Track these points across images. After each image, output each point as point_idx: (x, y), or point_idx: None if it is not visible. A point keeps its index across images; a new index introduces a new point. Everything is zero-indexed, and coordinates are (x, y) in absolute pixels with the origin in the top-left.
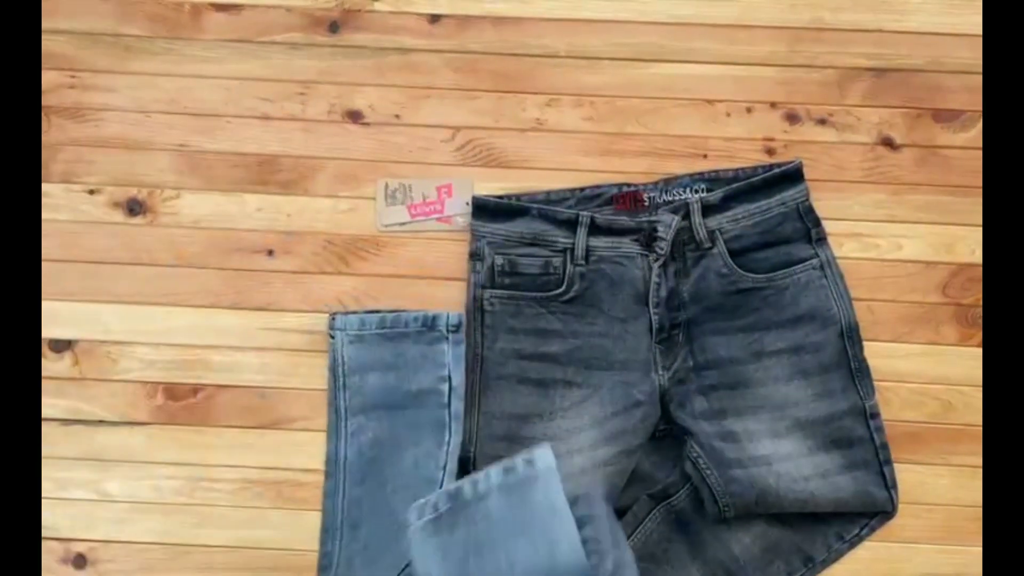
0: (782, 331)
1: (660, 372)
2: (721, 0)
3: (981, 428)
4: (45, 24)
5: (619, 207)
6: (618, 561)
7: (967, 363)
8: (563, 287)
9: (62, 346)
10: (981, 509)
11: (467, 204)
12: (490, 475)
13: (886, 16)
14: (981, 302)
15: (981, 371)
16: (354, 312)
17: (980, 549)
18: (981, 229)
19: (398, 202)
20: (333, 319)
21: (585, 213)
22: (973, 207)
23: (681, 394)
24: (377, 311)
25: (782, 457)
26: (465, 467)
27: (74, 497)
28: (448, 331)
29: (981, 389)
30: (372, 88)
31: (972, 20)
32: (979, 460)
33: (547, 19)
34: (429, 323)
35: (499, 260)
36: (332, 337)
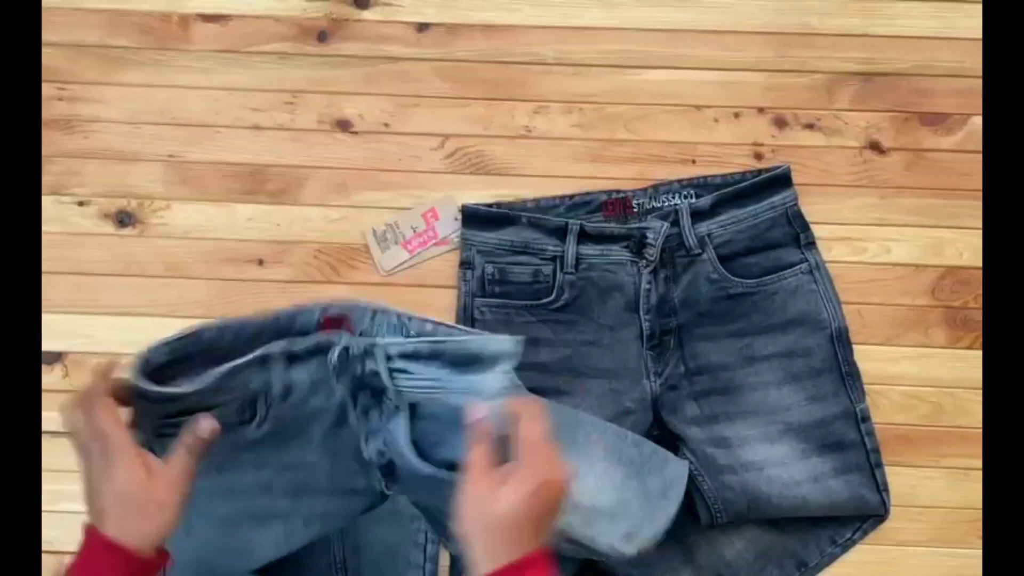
0: (773, 336)
1: (651, 378)
2: (709, 6)
3: (972, 430)
4: None
5: (608, 214)
6: None
7: (957, 365)
8: (553, 295)
9: (53, 358)
10: (973, 511)
11: (456, 219)
12: None
13: (873, 21)
14: (970, 304)
15: (971, 373)
16: None
17: (973, 551)
18: (970, 232)
19: (391, 243)
20: None
21: (574, 221)
22: (961, 210)
23: (673, 400)
24: None
25: (774, 462)
26: None
27: (66, 509)
28: None
29: (972, 391)
30: (361, 97)
31: (959, 24)
32: (971, 462)
33: (535, 26)
34: None
35: (489, 269)
36: None
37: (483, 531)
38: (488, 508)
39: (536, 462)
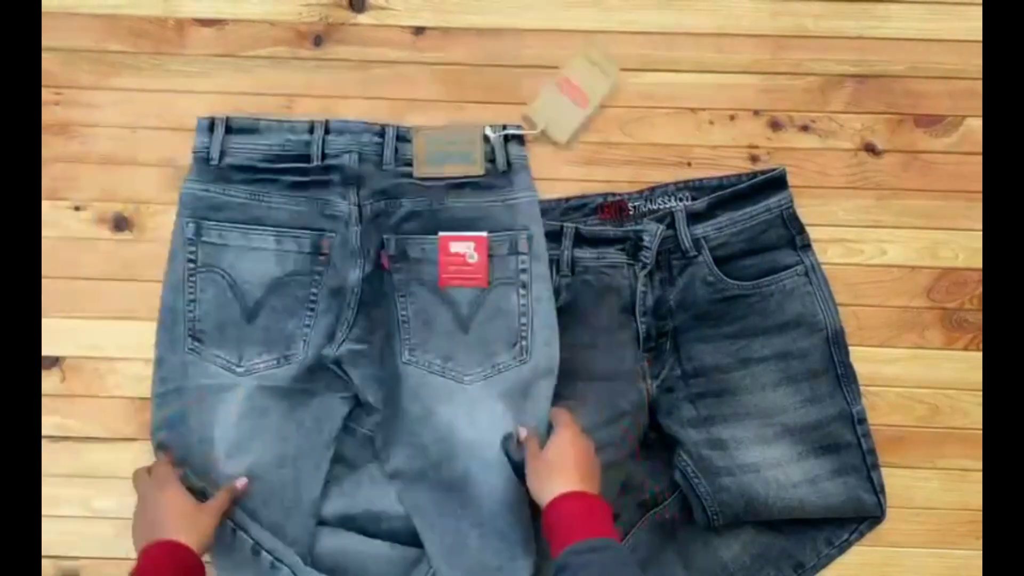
0: (769, 338)
1: (648, 381)
2: (704, 9)
3: (969, 431)
4: None
5: (604, 216)
6: None
7: (953, 366)
8: None
9: (50, 363)
10: (970, 512)
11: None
12: None
13: (867, 23)
14: (966, 306)
15: (968, 374)
16: None
17: (970, 552)
18: (966, 233)
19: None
20: None
21: (570, 224)
22: (956, 211)
23: (669, 402)
24: None
25: (770, 464)
26: None
27: (64, 514)
28: None
29: (968, 392)
30: (357, 101)
31: (953, 26)
32: (968, 463)
33: (531, 30)
34: None
35: None
36: None
37: (543, 477)
38: (542, 459)
39: (569, 428)
